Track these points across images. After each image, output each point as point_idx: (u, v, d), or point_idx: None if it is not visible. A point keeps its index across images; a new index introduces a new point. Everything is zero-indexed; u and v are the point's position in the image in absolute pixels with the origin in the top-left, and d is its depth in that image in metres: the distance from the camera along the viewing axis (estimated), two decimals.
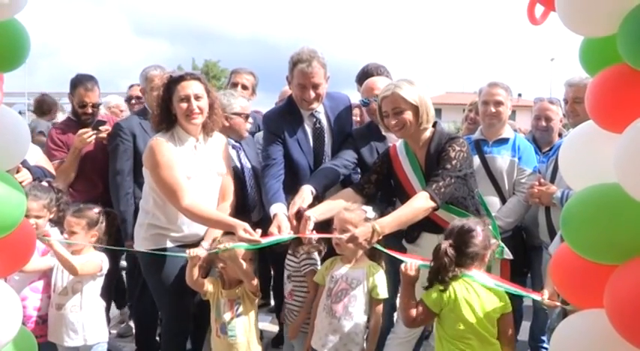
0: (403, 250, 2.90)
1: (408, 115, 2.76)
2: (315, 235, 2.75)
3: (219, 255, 2.73)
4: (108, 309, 3.49)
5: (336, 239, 2.67)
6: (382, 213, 2.72)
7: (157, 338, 3.60)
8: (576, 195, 1.88)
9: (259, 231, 2.65)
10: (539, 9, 2.13)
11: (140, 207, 3.04)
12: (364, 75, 3.61)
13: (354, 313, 2.65)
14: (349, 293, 2.66)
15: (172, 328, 3.03)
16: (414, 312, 2.46)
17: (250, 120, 3.54)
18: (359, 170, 3.21)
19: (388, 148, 3.06)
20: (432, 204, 2.63)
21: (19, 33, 1.90)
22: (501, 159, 3.45)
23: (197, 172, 2.89)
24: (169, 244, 2.90)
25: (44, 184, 3.11)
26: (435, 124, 2.89)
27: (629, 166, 1.61)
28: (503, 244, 2.89)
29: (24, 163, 3.11)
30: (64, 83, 4.16)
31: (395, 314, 3.16)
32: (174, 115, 2.88)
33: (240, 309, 2.79)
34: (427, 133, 2.87)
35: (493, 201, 3.36)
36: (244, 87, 4.07)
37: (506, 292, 2.46)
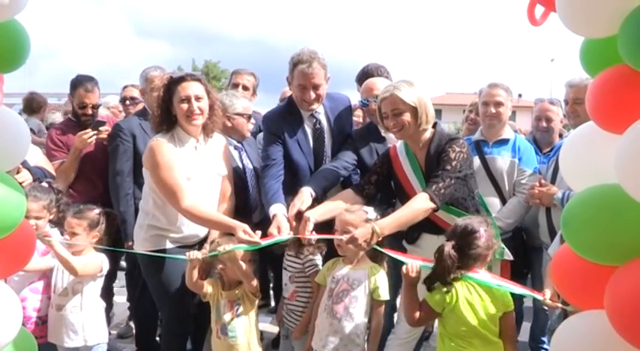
0: (403, 251, 2.89)
1: (407, 117, 2.76)
2: (315, 236, 2.75)
3: (219, 256, 2.73)
4: (108, 309, 3.49)
5: (337, 240, 2.68)
6: (382, 214, 2.72)
7: (157, 339, 3.59)
8: (577, 196, 1.88)
9: (259, 232, 2.64)
10: (539, 9, 2.13)
11: (140, 208, 3.04)
12: (364, 75, 3.60)
13: (355, 314, 2.65)
14: (350, 294, 2.66)
15: (172, 328, 3.03)
16: (417, 313, 2.46)
17: (252, 121, 3.54)
18: (359, 171, 3.21)
19: (388, 148, 3.06)
20: (432, 205, 2.63)
21: (19, 34, 1.90)
22: (501, 160, 3.44)
23: (197, 173, 2.89)
24: (169, 245, 2.90)
25: (44, 184, 3.11)
26: (435, 125, 2.88)
27: (629, 167, 1.62)
28: (503, 245, 2.89)
29: (24, 164, 3.11)
30: (64, 84, 4.17)
31: (395, 315, 3.16)
32: (174, 116, 2.88)
33: (240, 310, 2.79)
34: (427, 134, 2.86)
35: (493, 202, 3.36)
36: (245, 88, 4.07)
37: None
